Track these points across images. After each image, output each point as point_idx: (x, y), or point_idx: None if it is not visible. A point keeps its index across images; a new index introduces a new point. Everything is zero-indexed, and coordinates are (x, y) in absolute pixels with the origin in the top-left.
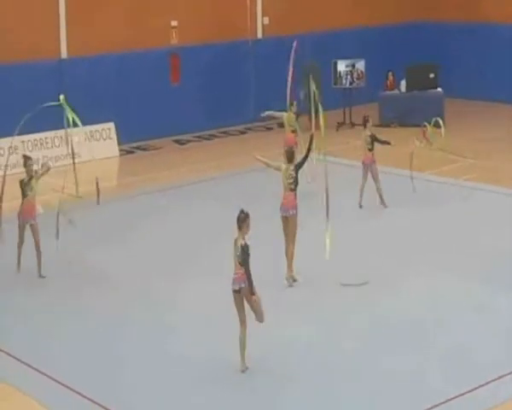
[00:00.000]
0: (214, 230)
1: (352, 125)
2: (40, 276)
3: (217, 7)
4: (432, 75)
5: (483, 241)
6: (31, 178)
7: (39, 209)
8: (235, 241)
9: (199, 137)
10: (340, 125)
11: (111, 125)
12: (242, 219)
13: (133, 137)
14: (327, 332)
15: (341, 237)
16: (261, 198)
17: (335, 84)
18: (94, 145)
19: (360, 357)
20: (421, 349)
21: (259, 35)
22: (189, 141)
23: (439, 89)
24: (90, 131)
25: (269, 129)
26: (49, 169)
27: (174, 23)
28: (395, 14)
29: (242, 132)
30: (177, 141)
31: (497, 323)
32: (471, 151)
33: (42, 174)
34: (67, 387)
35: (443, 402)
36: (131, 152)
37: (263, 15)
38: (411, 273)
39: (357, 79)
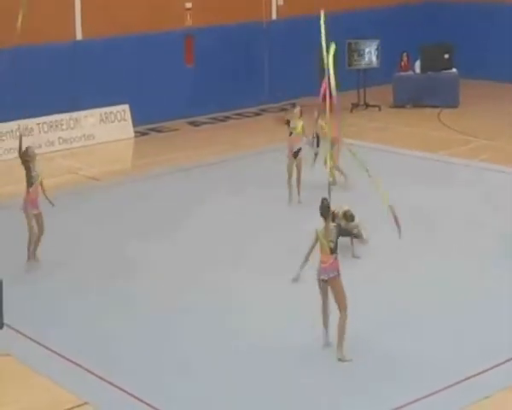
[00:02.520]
0: (230, 212)
1: (367, 106)
2: (29, 259)
3: None
4: (447, 56)
5: (494, 222)
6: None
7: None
8: (323, 229)
9: (213, 118)
10: (354, 106)
11: (126, 106)
12: (326, 208)
13: (148, 118)
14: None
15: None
16: (277, 179)
17: (350, 65)
18: (108, 127)
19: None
20: (433, 330)
21: (274, 16)
22: (203, 123)
23: (454, 69)
24: (105, 113)
25: (283, 110)
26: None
27: (189, 5)
28: None
29: (257, 114)
30: (191, 123)
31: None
32: (485, 132)
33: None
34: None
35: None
36: (146, 134)
37: None
38: (420, 254)
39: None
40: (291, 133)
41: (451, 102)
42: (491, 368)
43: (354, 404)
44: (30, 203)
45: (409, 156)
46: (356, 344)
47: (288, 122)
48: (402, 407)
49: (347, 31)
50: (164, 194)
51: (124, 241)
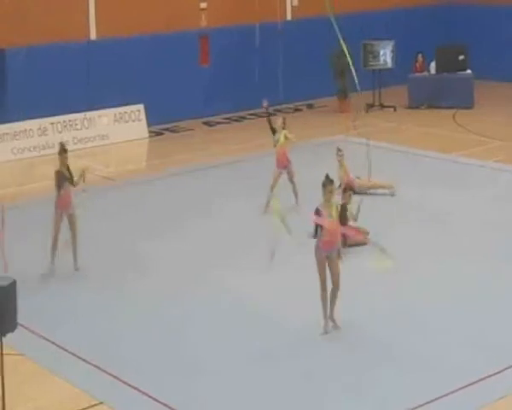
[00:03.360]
0: (242, 213)
1: (382, 106)
2: (76, 268)
3: None
4: (461, 57)
5: (509, 223)
6: (67, 170)
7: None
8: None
9: (228, 119)
10: (369, 106)
11: (140, 106)
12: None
13: (162, 118)
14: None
15: (368, 214)
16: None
17: (365, 65)
18: (123, 127)
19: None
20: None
21: (289, 17)
22: (218, 123)
23: (469, 70)
24: (120, 113)
25: (298, 110)
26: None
27: (203, 5)
28: None
29: (271, 114)
30: (206, 123)
31: None
32: (500, 133)
33: (81, 178)
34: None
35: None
36: (161, 134)
37: None
38: (435, 254)
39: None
40: (275, 144)
41: (466, 103)
42: (507, 368)
43: (370, 405)
44: (61, 207)
45: (424, 157)
46: (372, 344)
47: (273, 130)
48: (418, 407)
49: (362, 32)
50: (177, 193)
51: (136, 239)
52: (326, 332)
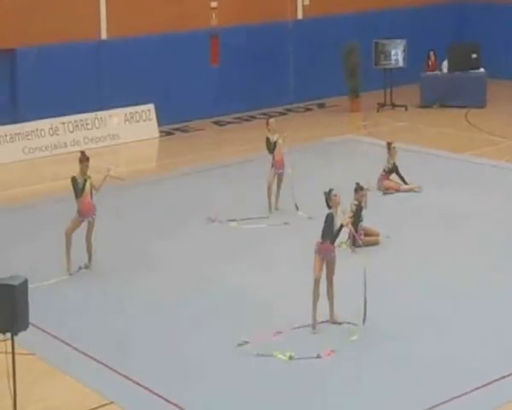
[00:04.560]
0: (257, 210)
1: (393, 106)
2: (86, 266)
3: None
4: (474, 55)
5: None
6: (85, 180)
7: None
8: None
9: (239, 118)
10: (380, 106)
11: (151, 106)
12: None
13: (173, 118)
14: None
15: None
16: (302, 177)
17: (376, 64)
18: (134, 127)
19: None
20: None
21: (300, 16)
22: (228, 123)
23: (482, 69)
24: (130, 113)
25: (309, 110)
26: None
27: (214, 4)
28: None
29: (282, 113)
30: (216, 122)
31: None
32: (511, 133)
33: (103, 182)
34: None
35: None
36: (171, 133)
37: None
38: (447, 253)
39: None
40: (273, 149)
41: (479, 103)
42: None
43: (385, 404)
44: (84, 211)
45: (436, 157)
46: (385, 344)
47: (267, 139)
48: (434, 407)
49: (374, 30)
50: (187, 193)
51: (146, 238)
52: (315, 331)
